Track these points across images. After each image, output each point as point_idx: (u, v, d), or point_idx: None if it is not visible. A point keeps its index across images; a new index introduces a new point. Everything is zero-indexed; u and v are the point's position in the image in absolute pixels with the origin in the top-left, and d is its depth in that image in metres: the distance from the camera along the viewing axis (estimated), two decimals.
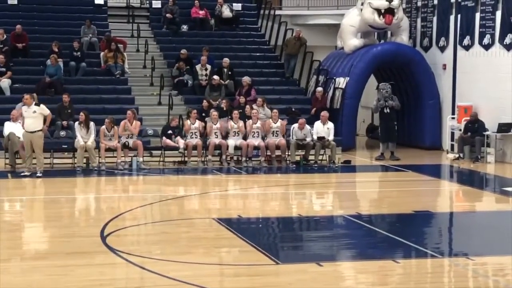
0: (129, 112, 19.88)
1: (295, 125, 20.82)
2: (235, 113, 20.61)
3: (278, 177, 19.33)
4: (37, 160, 18.00)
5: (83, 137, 19.05)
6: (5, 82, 22.77)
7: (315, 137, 20.56)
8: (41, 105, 18.14)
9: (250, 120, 20.55)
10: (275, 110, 21.02)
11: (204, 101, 22.44)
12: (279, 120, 20.73)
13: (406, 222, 13.69)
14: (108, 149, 19.34)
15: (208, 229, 12.62)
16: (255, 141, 20.32)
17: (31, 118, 17.89)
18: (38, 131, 17.95)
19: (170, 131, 20.17)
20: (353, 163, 21.34)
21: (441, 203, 16.58)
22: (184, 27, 27.30)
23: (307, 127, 20.76)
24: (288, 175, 19.55)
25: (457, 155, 21.80)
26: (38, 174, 17.82)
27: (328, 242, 11.99)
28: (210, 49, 25.14)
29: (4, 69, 23.01)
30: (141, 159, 19.46)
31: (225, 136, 20.35)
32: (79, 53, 24.29)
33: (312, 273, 9.88)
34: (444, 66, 24.29)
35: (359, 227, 13.00)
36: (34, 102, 18.05)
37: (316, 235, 12.72)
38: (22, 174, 17.89)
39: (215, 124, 20.31)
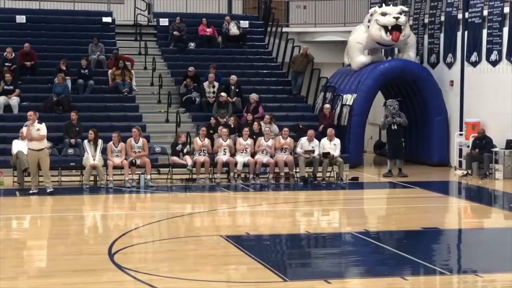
0: (134, 130, 19.89)
1: (303, 138, 20.84)
2: (246, 130, 20.60)
3: (286, 194, 19.31)
4: (45, 177, 18.03)
5: (92, 155, 19.10)
6: (14, 100, 22.85)
7: (321, 152, 20.55)
8: (43, 124, 18.16)
9: (261, 137, 20.54)
10: (285, 128, 20.97)
11: (212, 118, 22.46)
12: (288, 137, 20.73)
13: (414, 239, 13.65)
14: (116, 167, 19.36)
15: (216, 247, 12.60)
16: (264, 158, 20.31)
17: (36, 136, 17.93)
18: (44, 149, 18.01)
19: (179, 148, 20.20)
20: (361, 180, 21.31)
21: (449, 219, 16.53)
22: (192, 45, 27.39)
23: (316, 140, 20.79)
24: (296, 192, 19.53)
25: (465, 172, 21.76)
26: (50, 190, 17.85)
27: (336, 259, 11.96)
28: (218, 66, 25.21)
29: (11, 87, 23.09)
30: (148, 177, 19.47)
31: (233, 153, 20.34)
32: (86, 71, 24.38)
33: None
34: (452, 83, 24.29)
35: (367, 244, 12.96)
36: (37, 120, 18.09)
37: (324, 252, 12.68)
38: (30, 192, 17.90)
39: (224, 141, 20.31)
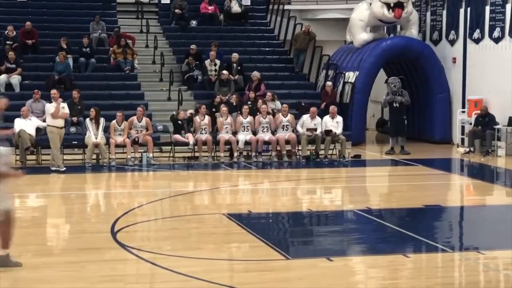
0: (139, 109, 19.92)
1: (305, 116, 20.84)
2: (245, 108, 20.61)
3: (288, 172, 19.32)
4: (58, 155, 18.31)
5: (94, 133, 19.13)
6: (16, 79, 22.82)
7: (323, 129, 20.55)
8: (65, 103, 19.01)
9: (259, 115, 20.54)
10: (285, 105, 21.03)
11: (215, 96, 22.43)
12: (289, 114, 20.73)
13: (416, 216, 13.68)
14: (118, 145, 19.37)
15: (218, 225, 12.63)
16: (265, 136, 20.32)
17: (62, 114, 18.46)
18: (65, 127, 18.87)
19: (179, 122, 20.21)
20: (363, 157, 21.32)
21: (451, 197, 16.54)
22: (193, 23, 27.30)
23: (318, 118, 20.79)
24: (298, 169, 19.55)
25: (467, 149, 21.75)
26: (64, 169, 18.19)
27: (338, 237, 11.99)
28: (219, 44, 25.12)
29: (14, 66, 23.05)
30: (151, 155, 19.49)
31: (235, 131, 20.35)
32: (88, 49, 24.33)
33: (322, 268, 9.88)
34: (454, 60, 24.23)
35: (369, 222, 12.99)
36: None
37: (326, 230, 12.72)
38: (54, 169, 18.15)
39: (225, 119, 20.31)
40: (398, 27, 25.54)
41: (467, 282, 9.59)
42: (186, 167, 19.63)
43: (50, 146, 18.43)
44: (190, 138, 19.96)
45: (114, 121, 19.53)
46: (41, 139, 19.35)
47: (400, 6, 23.58)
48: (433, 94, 24.08)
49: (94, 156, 19.34)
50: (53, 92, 18.85)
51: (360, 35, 24.74)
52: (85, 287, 9.18)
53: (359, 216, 13.38)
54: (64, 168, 18.22)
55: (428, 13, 25.46)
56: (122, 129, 19.50)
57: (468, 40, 23.58)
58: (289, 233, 12.64)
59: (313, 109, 20.97)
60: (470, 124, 22.35)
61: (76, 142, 20.02)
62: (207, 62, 24.29)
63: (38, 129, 19.40)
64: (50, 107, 18.54)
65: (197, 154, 20.08)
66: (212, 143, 20.11)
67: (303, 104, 23.12)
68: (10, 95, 22.40)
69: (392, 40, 24.73)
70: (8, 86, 22.83)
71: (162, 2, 28.17)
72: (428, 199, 14.90)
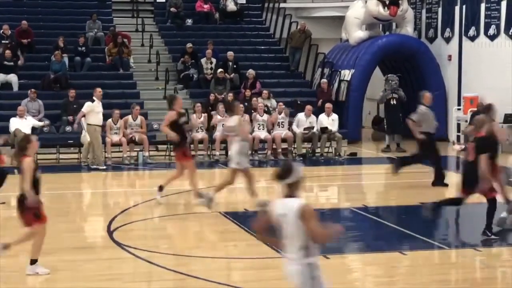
0: (137, 107, 19.93)
1: (300, 114, 20.82)
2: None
3: None
4: (100, 154, 18.51)
5: None
6: (16, 77, 22.72)
7: (318, 127, 20.57)
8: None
9: (256, 113, 20.53)
10: (280, 103, 21.04)
11: (211, 94, 22.43)
12: (283, 110, 20.74)
13: (413, 214, 13.68)
14: (114, 144, 19.36)
15: (215, 223, 12.63)
16: (261, 134, 20.32)
17: (100, 113, 18.39)
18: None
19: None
20: (359, 155, 21.34)
21: (447, 194, 16.52)
22: (189, 21, 27.27)
23: (313, 116, 20.79)
24: None
25: (463, 146, 21.74)
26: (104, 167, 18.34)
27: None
28: (215, 42, 25.10)
29: (12, 63, 22.95)
30: (146, 154, 19.49)
31: None
32: (84, 48, 24.29)
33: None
34: (450, 57, 24.25)
35: (366, 220, 13.00)
36: None
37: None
38: (101, 168, 18.30)
39: (222, 118, 20.28)
40: (394, 24, 25.57)
41: (463, 279, 9.61)
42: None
43: (93, 145, 18.38)
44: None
45: (109, 120, 19.53)
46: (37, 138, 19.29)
47: (395, 3, 23.62)
48: (428, 91, 24.01)
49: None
50: (99, 90, 18.70)
51: (356, 33, 24.76)
52: (82, 286, 9.18)
53: (355, 214, 13.39)
54: (105, 167, 18.29)
55: (424, 11, 25.48)
56: (118, 128, 19.51)
57: (464, 38, 23.60)
58: None
59: (308, 107, 20.98)
60: (466, 121, 22.34)
61: (72, 141, 20.00)
62: (203, 60, 24.27)
63: (33, 129, 19.37)
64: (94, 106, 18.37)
65: (193, 153, 20.06)
66: (208, 142, 20.10)
67: (299, 102, 23.11)
68: (5, 95, 22.52)
69: (387, 38, 24.76)
70: (4, 85, 22.77)
71: (157, 0, 28.14)
72: (424, 197, 14.88)
